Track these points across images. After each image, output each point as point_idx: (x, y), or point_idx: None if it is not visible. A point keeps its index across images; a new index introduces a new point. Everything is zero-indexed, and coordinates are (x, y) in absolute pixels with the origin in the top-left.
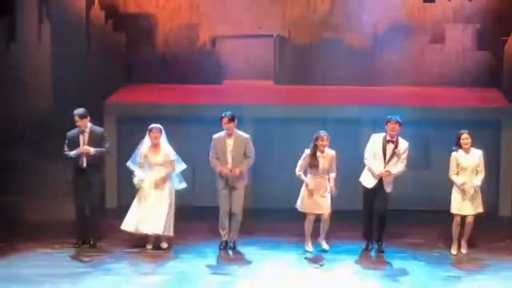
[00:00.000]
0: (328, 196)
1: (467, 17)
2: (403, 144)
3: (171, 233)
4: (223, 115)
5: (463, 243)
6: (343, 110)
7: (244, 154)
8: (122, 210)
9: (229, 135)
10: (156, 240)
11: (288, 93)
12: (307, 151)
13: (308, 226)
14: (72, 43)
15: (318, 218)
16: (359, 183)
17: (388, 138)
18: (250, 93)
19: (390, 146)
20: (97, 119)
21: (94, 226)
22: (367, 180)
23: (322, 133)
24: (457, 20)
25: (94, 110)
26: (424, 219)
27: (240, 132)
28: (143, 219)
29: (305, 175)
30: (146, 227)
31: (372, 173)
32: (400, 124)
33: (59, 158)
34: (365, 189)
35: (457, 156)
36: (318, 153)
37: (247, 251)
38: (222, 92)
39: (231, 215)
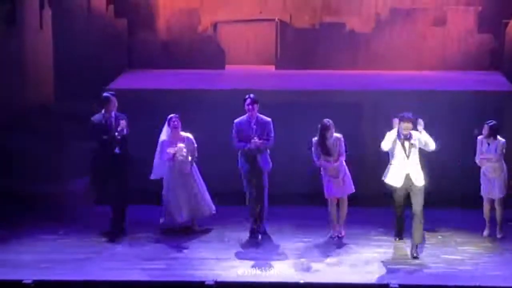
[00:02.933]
0: (345, 179)
1: (468, 0)
2: (415, 134)
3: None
4: (247, 97)
5: (498, 227)
6: (344, 95)
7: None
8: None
9: (252, 117)
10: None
11: (289, 78)
12: (314, 140)
13: (332, 211)
14: (73, 29)
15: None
16: (362, 168)
17: (402, 136)
18: (251, 78)
19: (407, 142)
20: (98, 105)
21: (125, 213)
22: (393, 179)
23: (327, 121)
24: (459, 3)
25: (95, 96)
26: (427, 202)
27: (261, 116)
28: (190, 206)
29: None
30: (197, 212)
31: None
32: (412, 123)
33: (61, 143)
34: (394, 188)
35: (480, 141)
36: (327, 141)
37: (251, 235)
38: (224, 77)
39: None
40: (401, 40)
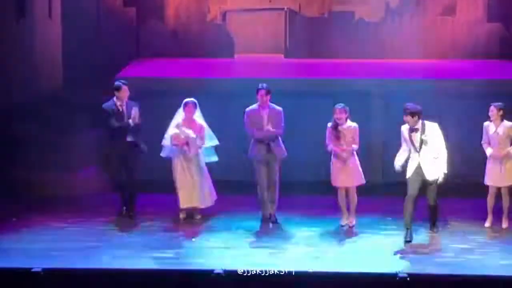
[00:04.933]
0: (355, 168)
1: None
2: (430, 128)
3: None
4: (260, 87)
5: (503, 217)
6: (354, 84)
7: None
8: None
9: (264, 107)
10: (189, 213)
11: (298, 67)
12: (329, 125)
13: (340, 199)
14: (82, 18)
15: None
16: (370, 157)
17: (410, 127)
18: (260, 67)
19: (415, 135)
20: (108, 94)
21: (136, 199)
22: (407, 169)
23: (337, 106)
24: None
25: (104, 85)
26: (438, 191)
27: (273, 105)
28: (192, 193)
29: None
30: (196, 200)
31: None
32: (412, 115)
33: (70, 132)
34: (407, 178)
35: (486, 126)
36: (339, 127)
37: (260, 224)
38: (233, 66)
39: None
40: (410, 29)
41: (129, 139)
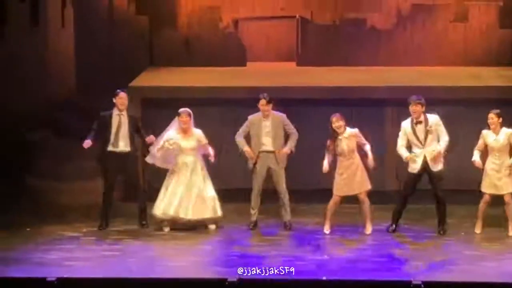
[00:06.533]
0: (361, 174)
1: None
2: (433, 119)
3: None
4: (261, 97)
5: (510, 225)
6: (366, 91)
7: (286, 132)
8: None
9: (266, 116)
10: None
11: (311, 75)
12: (328, 142)
13: (330, 206)
14: (95, 27)
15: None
16: (385, 164)
17: (414, 120)
18: (273, 74)
19: (419, 127)
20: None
21: (146, 209)
22: (410, 166)
23: (332, 115)
24: None
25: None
26: (450, 198)
27: (274, 112)
28: (187, 204)
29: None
30: (193, 212)
31: (408, 159)
32: (422, 105)
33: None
34: (410, 173)
35: (485, 135)
36: (339, 136)
37: (273, 232)
38: (245, 74)
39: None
40: (422, 35)
41: (126, 149)
